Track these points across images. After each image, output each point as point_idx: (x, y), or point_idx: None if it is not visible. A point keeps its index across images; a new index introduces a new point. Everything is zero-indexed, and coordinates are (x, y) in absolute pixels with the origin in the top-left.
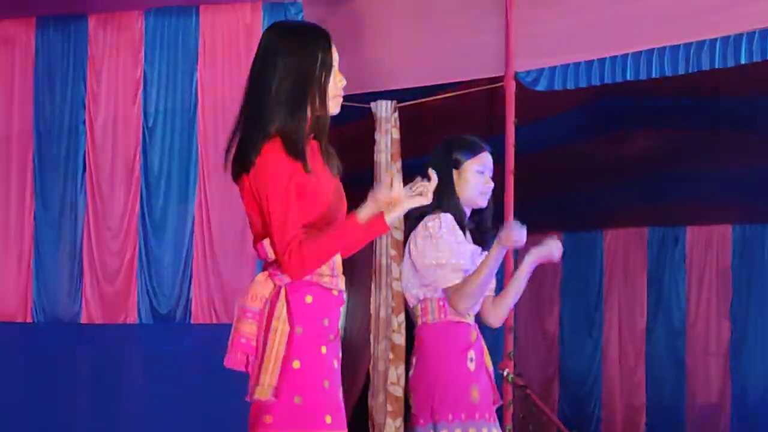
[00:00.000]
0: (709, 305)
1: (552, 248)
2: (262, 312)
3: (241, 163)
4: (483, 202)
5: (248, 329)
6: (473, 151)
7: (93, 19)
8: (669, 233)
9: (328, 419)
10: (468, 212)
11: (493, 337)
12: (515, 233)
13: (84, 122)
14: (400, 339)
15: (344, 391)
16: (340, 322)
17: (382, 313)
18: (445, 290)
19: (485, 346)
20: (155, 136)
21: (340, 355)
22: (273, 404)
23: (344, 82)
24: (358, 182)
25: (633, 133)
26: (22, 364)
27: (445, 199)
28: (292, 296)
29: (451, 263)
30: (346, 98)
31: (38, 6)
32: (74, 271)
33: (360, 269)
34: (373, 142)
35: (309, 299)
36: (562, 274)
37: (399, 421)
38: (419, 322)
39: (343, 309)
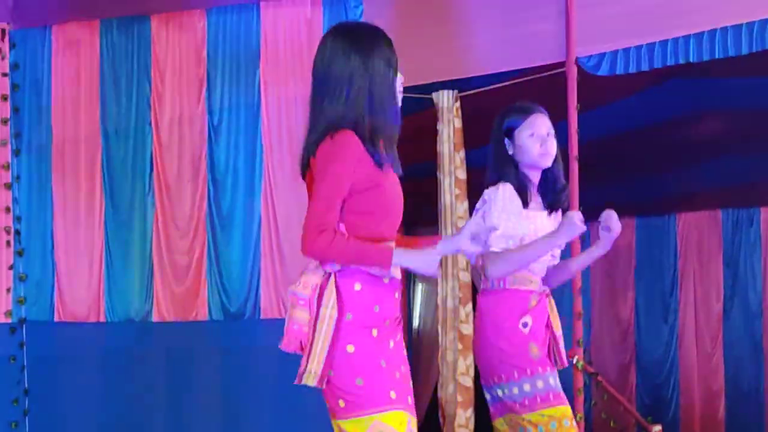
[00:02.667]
0: None
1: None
2: (312, 299)
3: (307, 153)
4: (546, 163)
5: (300, 315)
6: (522, 116)
7: (155, 19)
8: (743, 215)
9: (393, 394)
10: (536, 176)
11: (562, 324)
12: (577, 225)
13: (150, 123)
14: (468, 329)
15: (420, 382)
16: (417, 313)
17: (450, 304)
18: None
19: (554, 312)
20: (220, 134)
21: (401, 337)
22: (340, 389)
23: (402, 79)
24: (422, 173)
25: (701, 115)
26: (96, 363)
27: (503, 169)
28: (342, 283)
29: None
30: (407, 89)
31: (102, 8)
32: (145, 271)
33: None
34: (435, 132)
35: (358, 287)
36: (636, 260)
37: (470, 412)
38: (479, 288)
39: (420, 300)
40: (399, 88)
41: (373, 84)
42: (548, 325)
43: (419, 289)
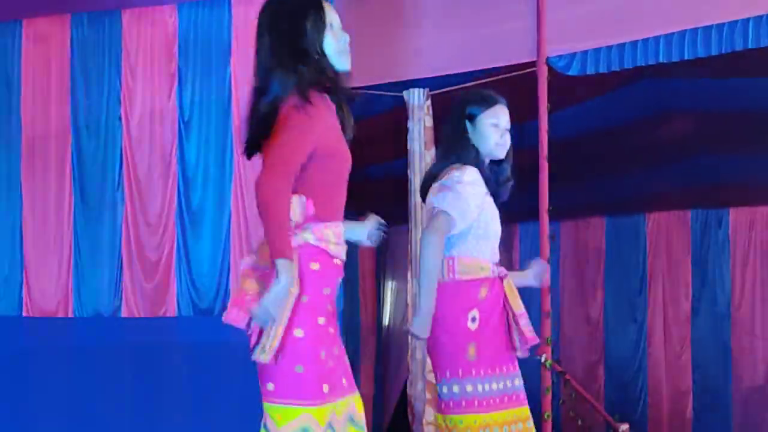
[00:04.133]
0: (754, 287)
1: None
2: (270, 273)
3: (258, 136)
4: (501, 153)
5: (253, 287)
6: (486, 104)
7: (127, 14)
8: (712, 215)
9: (326, 388)
10: (486, 163)
11: (531, 322)
12: (542, 272)
13: (120, 118)
14: None
15: (390, 381)
16: (387, 312)
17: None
18: (438, 212)
19: (514, 291)
20: (191, 130)
21: (338, 324)
22: (275, 371)
23: (347, 38)
24: (393, 171)
25: (671, 116)
26: (63, 359)
27: (463, 152)
28: (303, 260)
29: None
30: (378, 87)
31: (72, 3)
32: (114, 266)
33: (398, 260)
34: (406, 130)
35: (316, 266)
36: (605, 259)
37: None
38: None
39: (390, 299)
40: (340, 46)
41: (296, 45)
42: (505, 308)
43: (389, 287)
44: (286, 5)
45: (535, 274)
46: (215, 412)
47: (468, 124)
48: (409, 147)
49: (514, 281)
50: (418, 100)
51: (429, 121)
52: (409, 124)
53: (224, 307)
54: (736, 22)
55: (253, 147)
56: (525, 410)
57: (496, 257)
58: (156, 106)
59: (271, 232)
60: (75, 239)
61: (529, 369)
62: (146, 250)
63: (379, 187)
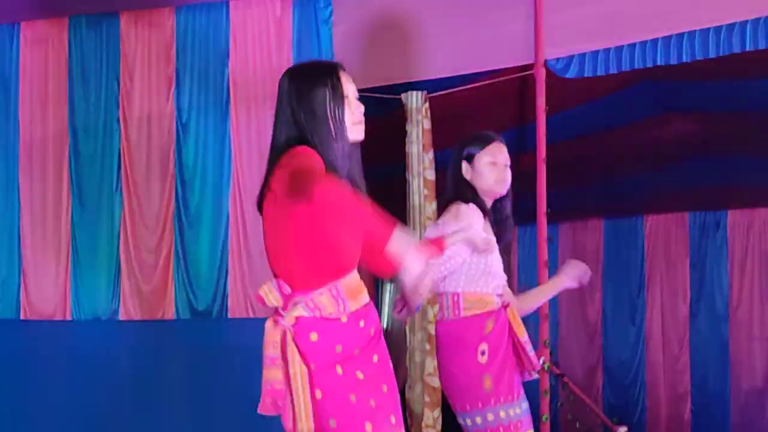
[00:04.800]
0: (752, 289)
1: (581, 273)
2: (281, 357)
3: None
4: (502, 190)
5: (272, 375)
6: (482, 143)
7: (124, 17)
8: (710, 218)
9: (369, 426)
10: (489, 203)
11: (529, 325)
12: (581, 273)
13: (118, 120)
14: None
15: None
16: (385, 314)
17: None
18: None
19: (517, 320)
20: (189, 133)
21: (383, 349)
22: None
23: (362, 108)
24: (391, 174)
25: (669, 118)
26: (61, 362)
27: (461, 193)
28: (298, 337)
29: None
30: (377, 90)
31: (71, 5)
32: (112, 269)
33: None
34: (404, 133)
35: (314, 337)
36: (603, 261)
37: (437, 412)
38: (436, 317)
39: (388, 301)
40: (355, 117)
41: (315, 119)
42: (510, 336)
43: (387, 290)
44: (304, 75)
45: (573, 276)
46: (212, 414)
47: (467, 165)
48: (407, 149)
49: (548, 291)
50: (416, 103)
51: (427, 124)
52: (408, 127)
53: (222, 309)
54: (733, 24)
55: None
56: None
57: (501, 288)
58: (154, 109)
59: (371, 221)
60: (73, 242)
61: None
62: (144, 253)
63: (377, 189)
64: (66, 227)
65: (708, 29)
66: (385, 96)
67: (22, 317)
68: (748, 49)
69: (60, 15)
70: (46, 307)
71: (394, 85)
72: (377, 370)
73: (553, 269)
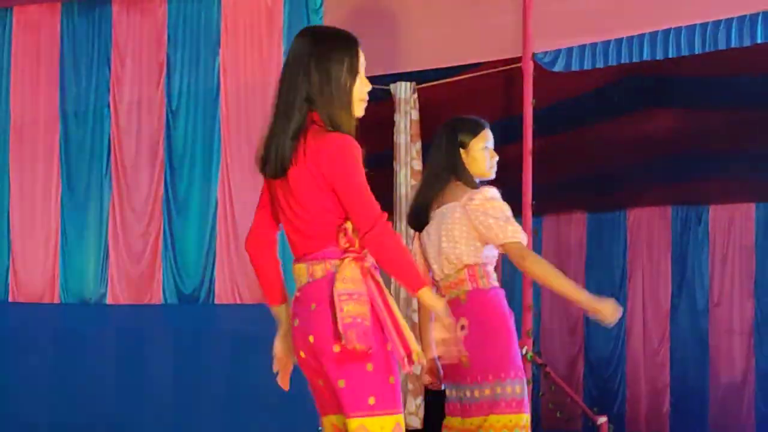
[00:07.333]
0: (732, 284)
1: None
2: (366, 291)
3: (286, 159)
4: (492, 174)
5: (354, 309)
6: (476, 130)
7: (117, 3)
8: (692, 212)
9: (391, 379)
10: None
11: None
12: (610, 311)
13: (109, 105)
14: None
15: None
16: None
17: (403, 294)
18: (507, 244)
19: None
20: (179, 119)
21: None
22: (375, 385)
23: (369, 87)
24: (379, 163)
25: (654, 113)
26: (49, 345)
27: (461, 177)
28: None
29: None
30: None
31: None
32: (100, 253)
33: None
34: (392, 123)
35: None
36: (586, 254)
37: (419, 400)
38: (469, 287)
39: None
40: (362, 94)
41: (331, 87)
42: None
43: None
44: (327, 41)
45: (603, 308)
46: (198, 398)
47: (461, 150)
48: (395, 140)
49: (577, 295)
50: (404, 93)
51: (415, 114)
52: (396, 117)
53: (209, 294)
54: (719, 21)
55: (282, 167)
56: None
57: None
58: (144, 95)
59: (400, 267)
60: (62, 226)
61: None
62: (132, 238)
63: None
64: (55, 211)
65: (694, 26)
66: (374, 86)
67: (10, 299)
68: (733, 45)
69: (52, 0)
70: (35, 289)
71: (383, 75)
72: None
73: None
